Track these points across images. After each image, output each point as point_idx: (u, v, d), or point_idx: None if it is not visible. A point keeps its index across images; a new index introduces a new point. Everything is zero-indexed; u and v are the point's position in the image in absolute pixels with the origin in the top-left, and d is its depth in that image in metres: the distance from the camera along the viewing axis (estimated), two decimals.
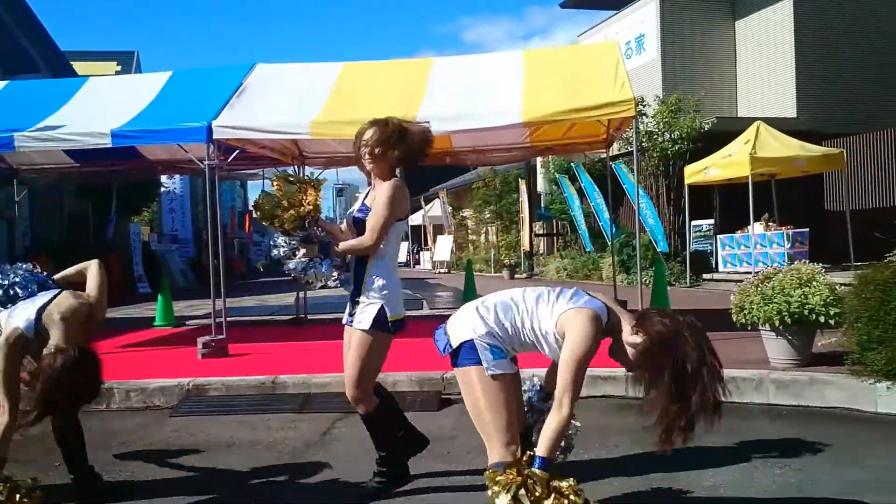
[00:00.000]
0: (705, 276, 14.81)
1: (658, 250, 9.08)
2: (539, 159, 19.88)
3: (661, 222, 14.67)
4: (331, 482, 3.97)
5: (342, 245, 3.65)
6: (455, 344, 2.90)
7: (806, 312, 5.42)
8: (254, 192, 28.96)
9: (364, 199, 3.71)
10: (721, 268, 14.66)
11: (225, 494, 3.86)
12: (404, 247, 39.23)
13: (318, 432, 4.98)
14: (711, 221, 15.57)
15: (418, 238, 37.35)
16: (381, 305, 3.54)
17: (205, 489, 3.95)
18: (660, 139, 15.69)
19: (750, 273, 8.37)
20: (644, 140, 15.11)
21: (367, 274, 3.60)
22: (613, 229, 11.51)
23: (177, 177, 24.05)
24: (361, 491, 3.71)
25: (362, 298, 3.58)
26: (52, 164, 9.98)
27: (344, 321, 3.71)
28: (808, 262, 5.95)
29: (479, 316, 2.92)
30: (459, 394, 5.71)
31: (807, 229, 13.46)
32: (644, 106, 14.26)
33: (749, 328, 5.77)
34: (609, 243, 13.51)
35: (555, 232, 22.84)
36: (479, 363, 2.82)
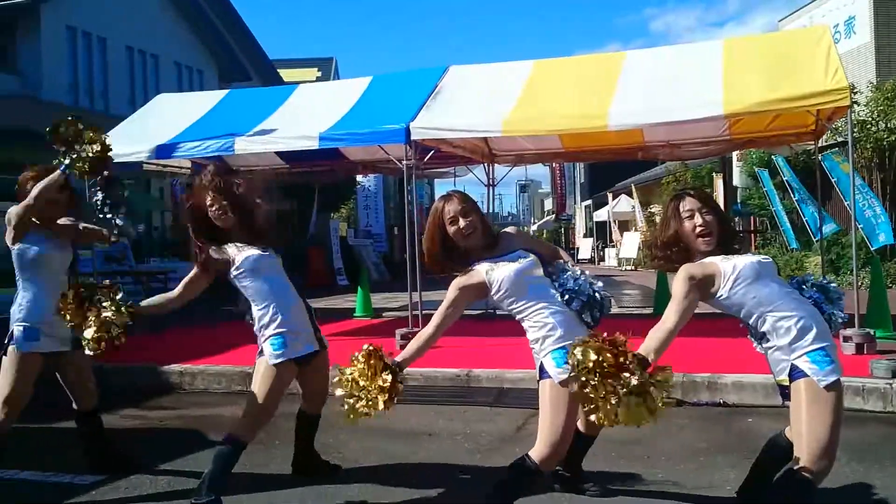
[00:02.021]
0: None
1: (871, 248, 8.33)
2: (735, 152, 18.88)
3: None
4: None
5: None
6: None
7: None
8: (441, 188, 29.06)
9: None
10: None
11: (431, 480, 4.03)
12: (588, 243, 38.51)
13: (514, 426, 5.08)
14: None
15: (603, 234, 36.53)
16: None
17: (412, 474, 4.16)
18: (874, 129, 14.44)
19: None
20: (856, 130, 13.95)
21: None
22: (822, 226, 10.73)
23: (371, 175, 25.22)
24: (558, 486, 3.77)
25: None
26: (266, 165, 10.84)
27: None
28: None
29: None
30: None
31: None
32: (856, 93, 13.16)
33: None
34: (815, 240, 12.60)
35: (752, 229, 21.60)
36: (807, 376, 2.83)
